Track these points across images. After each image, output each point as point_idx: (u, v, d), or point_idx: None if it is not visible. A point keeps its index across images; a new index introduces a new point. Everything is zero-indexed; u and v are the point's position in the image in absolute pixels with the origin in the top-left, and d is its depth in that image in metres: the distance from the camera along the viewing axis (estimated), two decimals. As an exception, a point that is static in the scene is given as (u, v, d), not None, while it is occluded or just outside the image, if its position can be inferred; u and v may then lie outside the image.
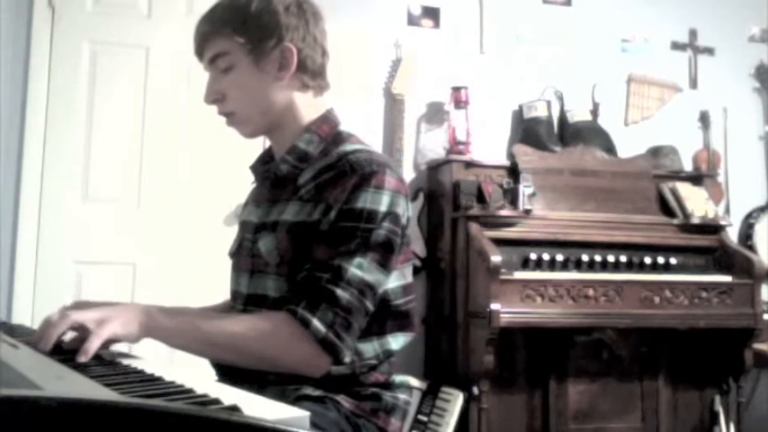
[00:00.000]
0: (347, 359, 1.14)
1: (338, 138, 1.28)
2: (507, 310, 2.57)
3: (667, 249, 2.95)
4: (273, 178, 1.30)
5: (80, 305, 1.18)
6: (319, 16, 1.31)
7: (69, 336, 1.05)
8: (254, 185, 1.43)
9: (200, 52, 1.28)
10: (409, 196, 1.25)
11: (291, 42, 1.24)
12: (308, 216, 1.18)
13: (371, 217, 1.15)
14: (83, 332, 1.03)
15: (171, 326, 1.12)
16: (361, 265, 1.13)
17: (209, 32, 1.25)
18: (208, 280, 2.50)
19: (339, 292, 1.11)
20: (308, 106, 1.29)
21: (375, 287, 1.16)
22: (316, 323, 1.10)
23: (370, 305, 1.15)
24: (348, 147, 1.24)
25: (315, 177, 1.22)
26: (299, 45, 1.25)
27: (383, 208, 1.16)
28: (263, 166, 1.36)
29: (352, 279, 1.12)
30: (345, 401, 1.17)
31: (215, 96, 1.27)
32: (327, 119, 1.30)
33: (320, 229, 1.16)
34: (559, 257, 2.80)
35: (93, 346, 0.99)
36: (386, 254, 1.16)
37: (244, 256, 1.31)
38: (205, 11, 1.28)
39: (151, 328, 1.10)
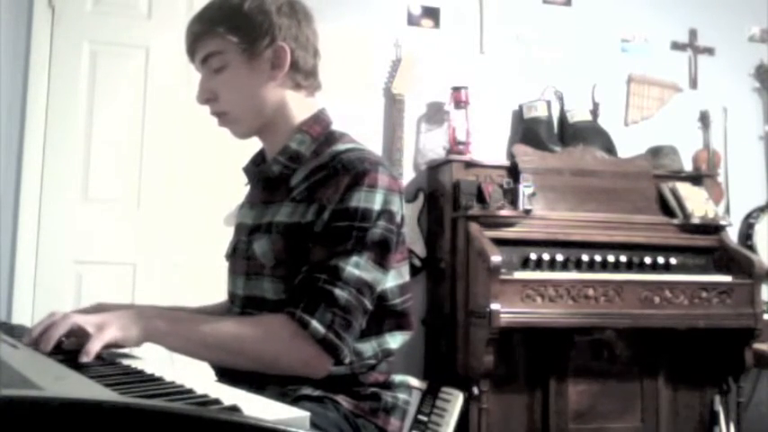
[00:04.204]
0: (347, 359, 1.14)
1: (330, 137, 1.28)
2: (507, 310, 2.57)
3: (667, 249, 2.95)
4: (266, 179, 1.30)
5: (96, 308, 1.21)
6: (310, 16, 1.31)
7: (68, 340, 1.06)
8: (248, 187, 1.43)
9: (192, 52, 1.28)
10: (403, 194, 1.25)
11: (284, 42, 1.24)
12: (301, 217, 1.18)
13: (366, 216, 1.15)
14: (83, 336, 1.03)
15: (170, 330, 1.12)
16: (358, 264, 1.13)
17: (202, 32, 1.25)
18: (208, 280, 2.49)
19: (337, 291, 1.11)
20: (301, 106, 1.29)
21: (373, 286, 1.16)
22: (315, 324, 1.10)
23: (368, 304, 1.15)
24: (340, 146, 1.23)
25: (307, 178, 1.22)
26: (291, 45, 1.25)
27: (377, 206, 1.16)
28: (256, 167, 1.36)
29: (349, 278, 1.12)
30: (345, 401, 1.17)
31: (207, 96, 1.27)
32: (319, 119, 1.30)
33: (315, 230, 1.16)
34: (559, 257, 2.80)
35: (94, 347, 0.99)
36: (382, 252, 1.16)
37: (239, 258, 1.31)
38: (197, 11, 1.28)
39: (150, 332, 1.09)
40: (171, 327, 1.12)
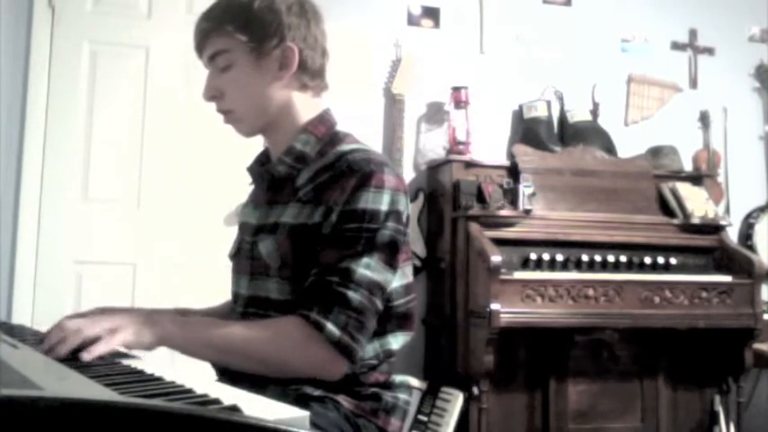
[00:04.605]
0: (359, 361, 1.15)
1: (335, 138, 1.28)
2: (507, 310, 2.57)
3: (667, 249, 2.95)
4: (271, 179, 1.30)
5: (104, 311, 1.20)
6: (320, 17, 1.30)
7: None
8: (252, 186, 1.43)
9: (200, 49, 1.28)
10: (408, 194, 1.25)
11: (293, 42, 1.24)
12: (308, 218, 1.18)
13: (374, 217, 1.15)
14: (95, 342, 1.02)
15: (184, 335, 1.12)
16: (369, 265, 1.13)
17: (210, 29, 1.25)
18: (208, 280, 2.50)
19: (350, 293, 1.11)
20: (306, 106, 1.29)
21: (384, 286, 1.16)
22: (330, 326, 1.10)
23: (380, 304, 1.16)
24: (345, 147, 1.23)
25: (313, 178, 1.22)
26: (300, 45, 1.25)
27: (385, 207, 1.16)
28: (260, 167, 1.36)
29: (361, 280, 1.12)
30: (345, 401, 1.17)
31: (213, 93, 1.27)
32: (324, 119, 1.30)
33: (323, 232, 1.16)
34: (559, 257, 2.80)
35: (99, 349, 0.99)
36: (391, 253, 1.17)
37: (243, 258, 1.31)
38: (196, 13, 1.28)
39: (164, 338, 1.09)
40: (185, 332, 1.12)
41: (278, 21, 1.23)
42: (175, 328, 1.11)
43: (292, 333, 1.11)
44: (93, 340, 1.02)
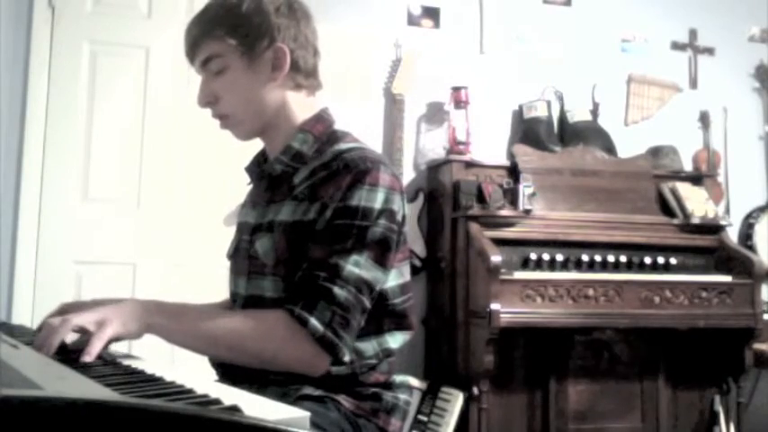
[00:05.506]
0: (347, 358, 1.14)
1: (333, 137, 1.28)
2: (507, 310, 2.57)
3: (667, 249, 2.95)
4: (268, 179, 1.30)
5: (77, 306, 1.19)
6: (309, 16, 1.30)
7: (71, 338, 1.05)
8: (250, 186, 1.43)
9: (191, 55, 1.28)
10: (404, 193, 1.25)
11: (283, 43, 1.24)
12: (303, 216, 1.18)
13: (367, 214, 1.15)
14: (84, 333, 1.03)
15: (170, 323, 1.13)
16: (358, 262, 1.13)
17: (201, 35, 1.25)
18: (207, 280, 2.50)
19: (336, 290, 1.11)
20: (302, 106, 1.29)
21: (372, 285, 1.16)
22: (313, 322, 1.10)
23: (367, 302, 1.15)
24: (342, 145, 1.23)
25: (309, 177, 1.22)
26: (291, 45, 1.25)
27: (378, 205, 1.16)
28: (258, 167, 1.36)
29: (349, 277, 1.12)
30: (346, 401, 1.17)
31: (208, 99, 1.27)
32: (321, 118, 1.30)
33: (316, 229, 1.16)
34: (559, 257, 2.80)
35: (96, 347, 1.00)
36: (382, 251, 1.16)
37: (241, 257, 1.31)
38: (195, 13, 1.28)
39: (150, 325, 1.10)
40: (171, 320, 1.13)
41: (267, 22, 1.23)
42: (163, 318, 1.12)
43: (277, 326, 1.12)
44: (82, 332, 1.03)
